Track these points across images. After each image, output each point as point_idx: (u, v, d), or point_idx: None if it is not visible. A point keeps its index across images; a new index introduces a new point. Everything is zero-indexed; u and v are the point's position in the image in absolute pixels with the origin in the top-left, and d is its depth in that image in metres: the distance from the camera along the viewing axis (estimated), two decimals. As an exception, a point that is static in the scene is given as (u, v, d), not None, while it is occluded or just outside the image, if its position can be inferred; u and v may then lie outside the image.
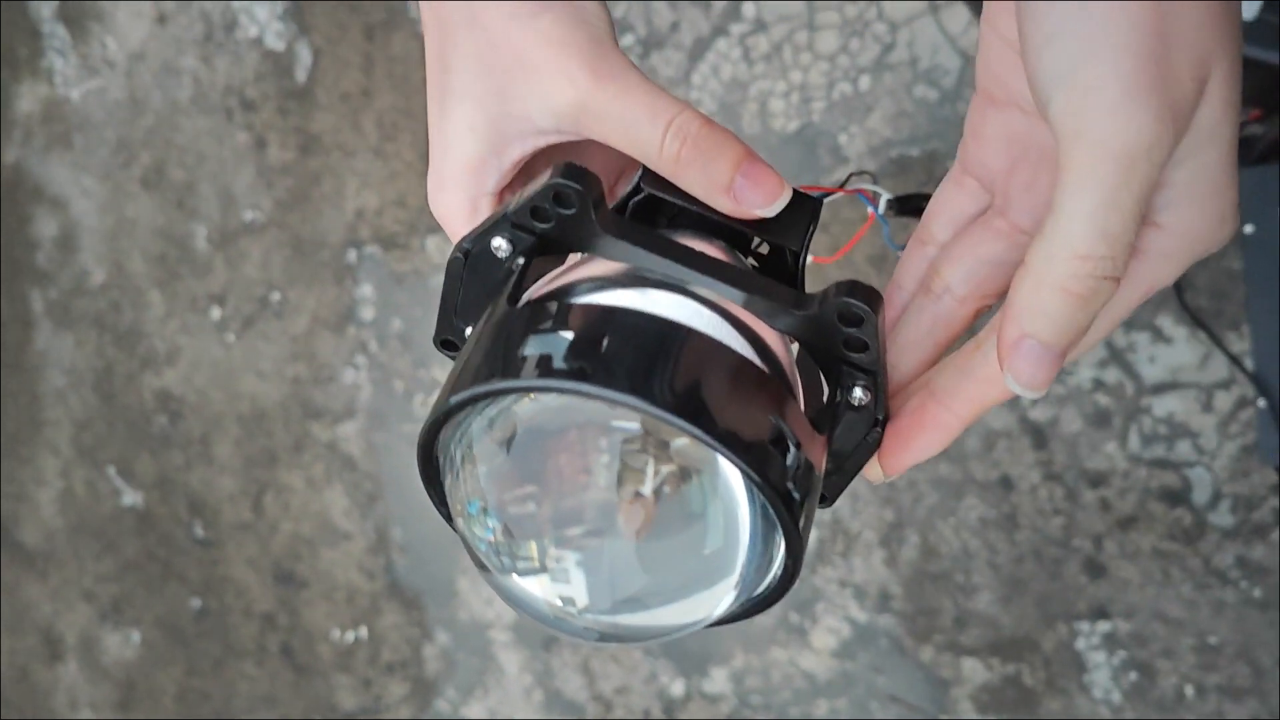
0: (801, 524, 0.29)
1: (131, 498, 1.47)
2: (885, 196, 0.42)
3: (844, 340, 0.31)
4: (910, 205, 0.52)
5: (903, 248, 0.36)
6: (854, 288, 0.30)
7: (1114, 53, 0.26)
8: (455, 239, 0.35)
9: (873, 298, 0.31)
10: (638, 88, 0.32)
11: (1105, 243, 0.27)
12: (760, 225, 0.34)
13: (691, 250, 0.32)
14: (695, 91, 1.09)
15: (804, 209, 0.34)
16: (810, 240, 0.35)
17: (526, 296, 0.32)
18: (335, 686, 1.37)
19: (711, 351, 0.29)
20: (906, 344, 0.35)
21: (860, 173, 0.38)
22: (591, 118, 0.33)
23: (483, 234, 0.33)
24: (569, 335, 0.29)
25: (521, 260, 0.33)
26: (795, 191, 0.34)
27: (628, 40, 1.11)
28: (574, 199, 0.31)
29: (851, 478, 0.34)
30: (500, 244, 0.33)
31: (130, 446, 1.46)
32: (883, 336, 0.31)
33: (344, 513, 1.33)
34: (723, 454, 0.28)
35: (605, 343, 0.28)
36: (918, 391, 0.34)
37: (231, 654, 1.43)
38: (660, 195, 0.34)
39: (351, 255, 1.28)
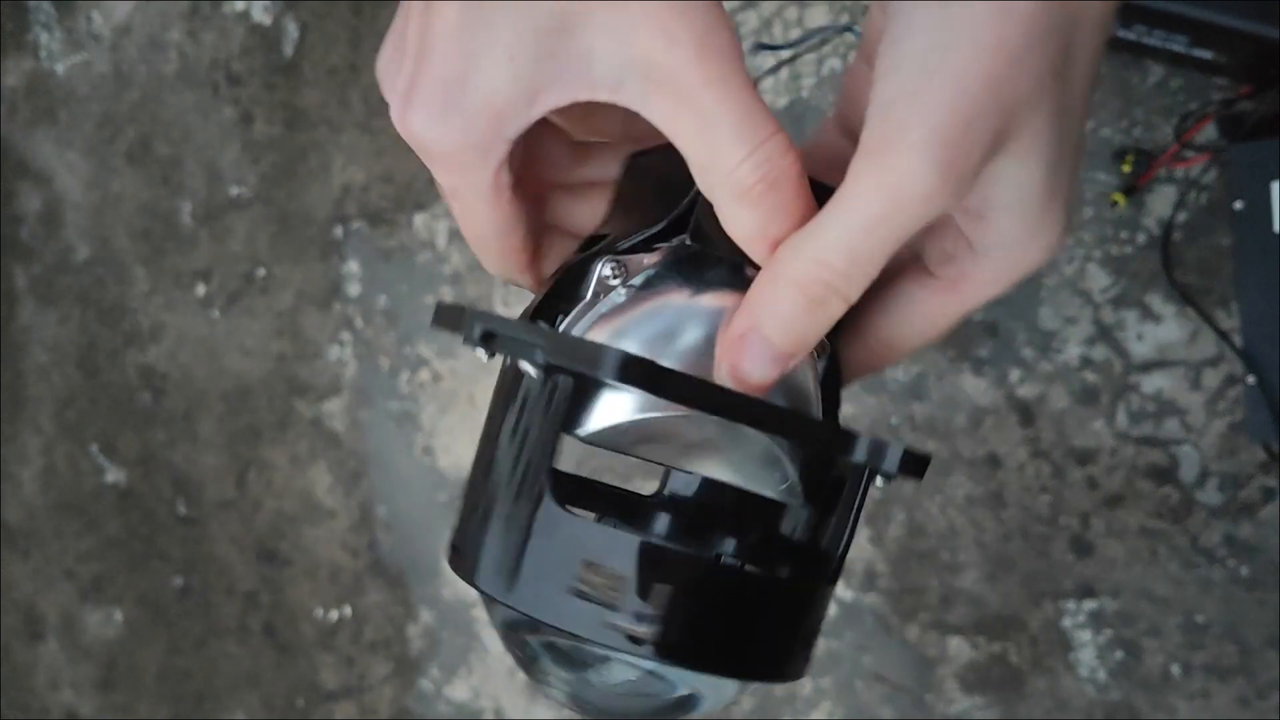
0: None
1: (114, 475, 1.46)
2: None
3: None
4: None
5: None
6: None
7: (933, 104, 0.27)
8: (439, 171, 0.32)
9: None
10: (742, 87, 0.28)
11: (847, 259, 0.27)
12: None
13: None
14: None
15: None
16: None
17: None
18: (318, 665, 1.36)
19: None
20: None
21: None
22: (668, 93, 0.28)
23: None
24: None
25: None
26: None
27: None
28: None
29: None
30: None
31: (113, 423, 1.44)
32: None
33: (328, 490, 1.32)
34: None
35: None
36: None
37: (214, 633, 1.42)
38: (702, 248, 0.31)
39: (338, 231, 1.27)
